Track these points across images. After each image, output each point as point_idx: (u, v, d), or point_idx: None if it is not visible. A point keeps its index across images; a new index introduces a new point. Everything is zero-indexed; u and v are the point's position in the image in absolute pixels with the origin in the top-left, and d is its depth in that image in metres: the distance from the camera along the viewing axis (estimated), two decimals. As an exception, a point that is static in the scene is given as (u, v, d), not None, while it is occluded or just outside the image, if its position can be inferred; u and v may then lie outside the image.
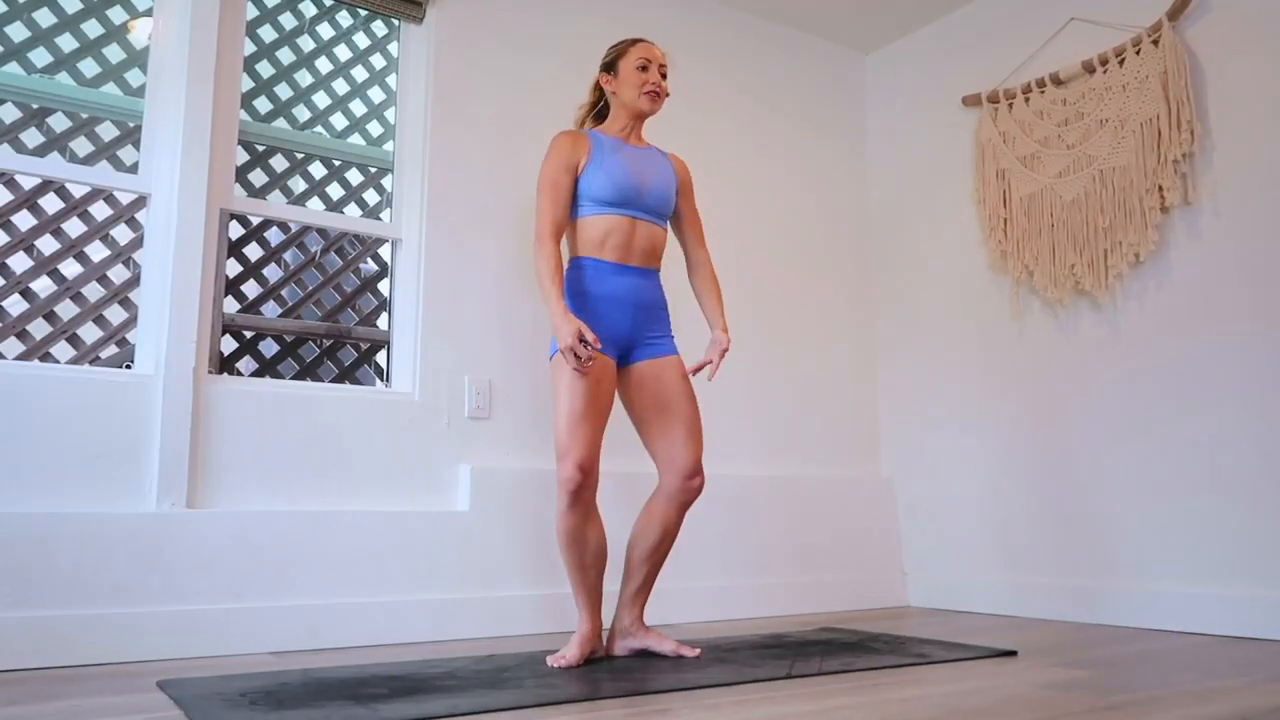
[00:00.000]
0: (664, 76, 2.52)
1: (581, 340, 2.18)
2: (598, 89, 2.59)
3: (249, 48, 2.90)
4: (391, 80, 3.14)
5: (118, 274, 2.65)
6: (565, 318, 2.21)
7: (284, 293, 2.90)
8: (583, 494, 2.27)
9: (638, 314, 2.41)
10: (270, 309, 2.89)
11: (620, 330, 2.39)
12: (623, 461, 2.86)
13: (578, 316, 2.31)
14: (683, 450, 2.39)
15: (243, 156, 2.84)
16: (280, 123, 2.93)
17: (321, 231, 2.97)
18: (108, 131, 2.66)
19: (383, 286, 3.08)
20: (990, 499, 3.47)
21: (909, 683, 2.03)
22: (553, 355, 2.33)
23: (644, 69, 2.48)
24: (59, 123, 2.62)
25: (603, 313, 2.36)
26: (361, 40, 3.12)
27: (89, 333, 2.59)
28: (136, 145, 2.68)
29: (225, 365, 2.74)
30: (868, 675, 2.11)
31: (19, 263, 2.52)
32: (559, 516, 2.29)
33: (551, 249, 2.31)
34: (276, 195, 2.89)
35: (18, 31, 2.58)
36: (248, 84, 2.88)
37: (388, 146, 3.09)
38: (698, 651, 2.37)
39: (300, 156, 2.95)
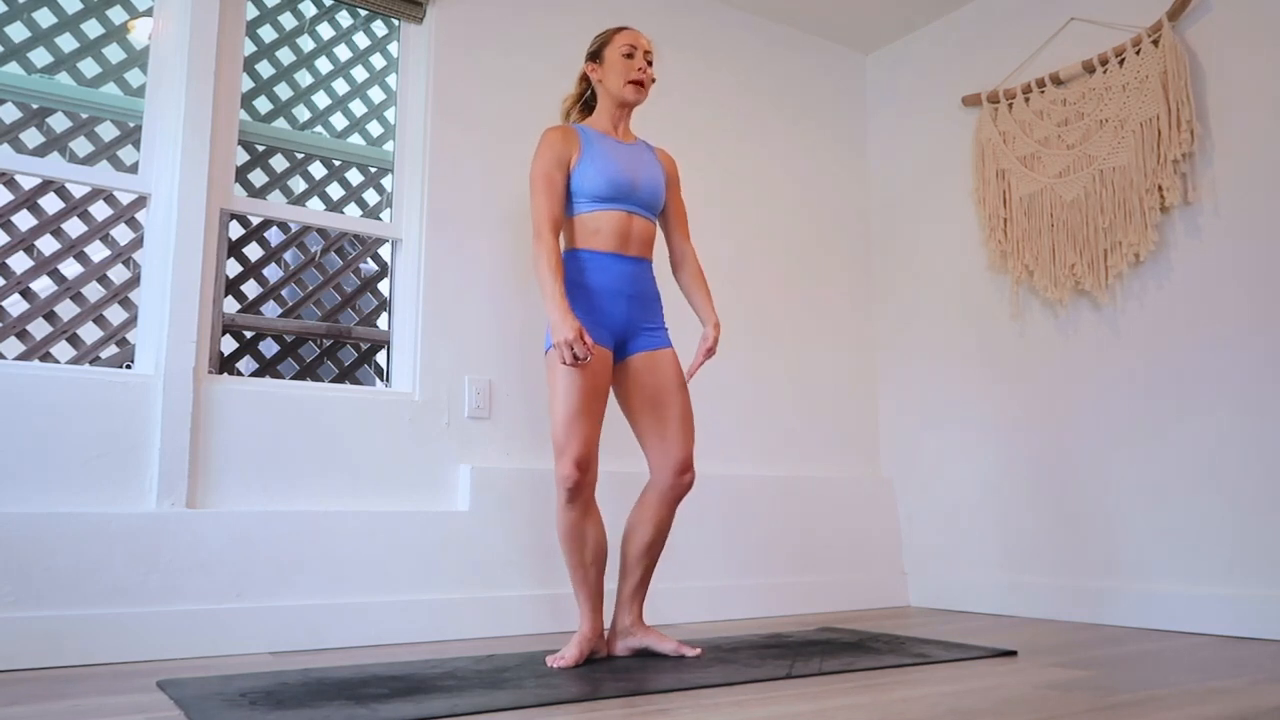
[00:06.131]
0: (649, 64, 2.50)
1: (580, 340, 2.18)
2: (584, 80, 2.58)
3: (249, 48, 2.90)
4: (391, 80, 3.14)
5: (118, 274, 2.65)
6: (565, 314, 2.20)
7: (284, 293, 2.90)
8: (581, 491, 2.27)
9: (633, 303, 2.41)
10: (270, 309, 2.90)
11: (617, 321, 2.38)
12: (620, 461, 2.86)
13: (575, 308, 2.32)
14: (676, 446, 2.39)
15: (243, 156, 2.84)
16: (280, 123, 2.93)
17: (321, 231, 2.97)
18: (108, 131, 2.66)
19: (383, 286, 3.08)
20: (990, 499, 3.47)
21: (909, 683, 2.02)
22: (548, 349, 2.32)
23: (629, 56, 2.46)
24: (59, 123, 2.62)
25: (599, 305, 2.36)
26: (361, 40, 3.12)
27: (89, 333, 2.59)
28: (136, 145, 2.68)
29: (225, 365, 2.74)
30: (868, 675, 2.11)
31: (19, 263, 2.52)
32: (558, 513, 2.30)
33: (551, 243, 2.30)
34: (276, 195, 2.89)
35: (18, 31, 2.58)
36: (248, 84, 2.88)
37: (388, 146, 3.09)
38: (698, 651, 2.37)
39: (300, 156, 2.95)
